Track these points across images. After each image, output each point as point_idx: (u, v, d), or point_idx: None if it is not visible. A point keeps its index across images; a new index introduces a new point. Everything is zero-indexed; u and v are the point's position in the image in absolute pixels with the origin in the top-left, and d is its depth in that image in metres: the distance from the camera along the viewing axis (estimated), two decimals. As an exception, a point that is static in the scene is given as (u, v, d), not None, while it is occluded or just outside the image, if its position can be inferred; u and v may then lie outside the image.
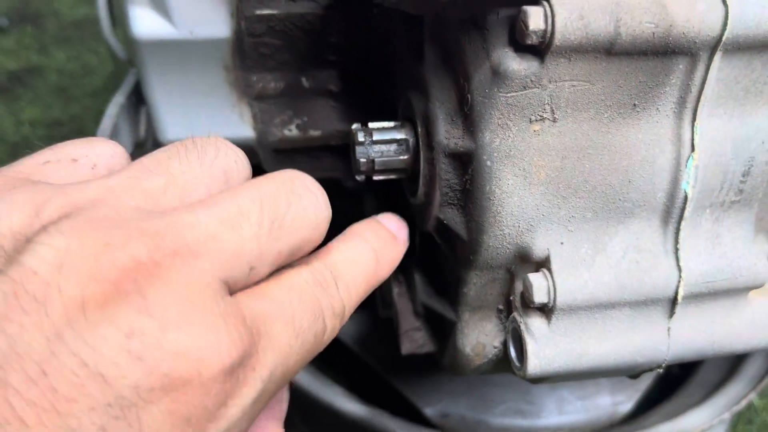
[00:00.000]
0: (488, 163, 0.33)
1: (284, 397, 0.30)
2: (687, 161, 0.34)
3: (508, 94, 0.32)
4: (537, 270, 0.36)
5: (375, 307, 0.51)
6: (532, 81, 0.32)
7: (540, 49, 0.31)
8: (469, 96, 0.34)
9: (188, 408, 0.21)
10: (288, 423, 0.30)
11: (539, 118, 0.33)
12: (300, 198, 0.26)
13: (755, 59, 0.33)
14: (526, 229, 0.35)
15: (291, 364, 0.25)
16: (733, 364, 0.64)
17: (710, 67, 0.32)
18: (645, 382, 0.66)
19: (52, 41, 1.29)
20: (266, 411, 0.29)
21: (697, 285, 0.36)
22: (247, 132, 0.48)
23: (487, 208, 0.34)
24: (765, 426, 0.77)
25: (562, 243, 0.35)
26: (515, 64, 0.31)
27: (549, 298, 0.35)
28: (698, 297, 0.37)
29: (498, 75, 0.32)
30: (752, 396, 0.58)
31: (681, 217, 0.36)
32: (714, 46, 0.32)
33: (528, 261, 0.36)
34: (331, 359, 0.72)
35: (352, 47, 0.45)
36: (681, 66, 0.32)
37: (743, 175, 0.36)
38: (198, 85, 0.45)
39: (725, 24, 0.31)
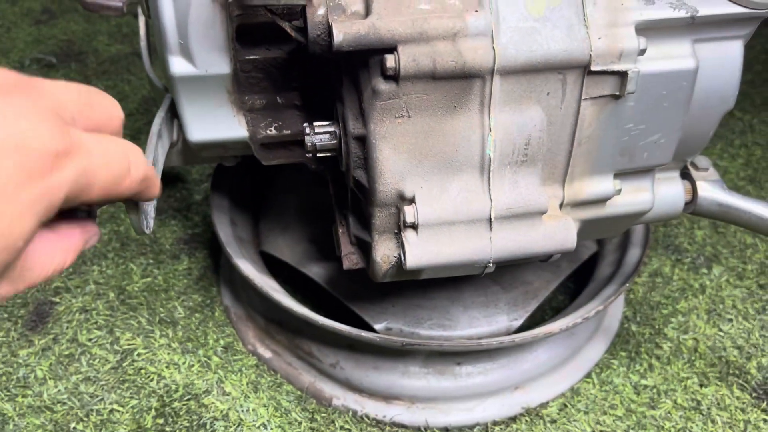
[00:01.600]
0: (373, 141, 0.60)
1: (91, 230, 0.39)
2: (488, 137, 0.60)
3: (381, 102, 0.58)
4: (410, 204, 0.62)
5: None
6: (393, 95, 0.58)
7: (395, 78, 0.57)
8: (362, 104, 0.60)
9: (28, 166, 0.30)
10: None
11: (401, 115, 0.59)
12: (104, 97, 0.40)
13: (521, 79, 0.59)
14: (399, 180, 0.61)
15: (95, 182, 0.33)
16: (595, 293, 0.89)
17: (493, 84, 0.58)
18: (533, 306, 0.91)
19: (93, 74, 1.53)
20: (66, 236, 0.37)
21: (504, 210, 0.62)
22: (243, 133, 0.74)
23: (375, 168, 0.60)
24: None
25: (422, 187, 0.61)
26: (383, 86, 0.58)
27: (415, 219, 0.61)
28: (506, 218, 0.63)
29: (375, 92, 0.58)
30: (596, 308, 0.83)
31: (490, 170, 0.61)
32: (491, 72, 0.57)
33: (404, 199, 0.62)
34: (308, 296, 0.98)
35: (308, 77, 0.72)
36: (477, 83, 0.58)
37: (525, 146, 0.61)
38: (211, 103, 0.72)
39: (494, 60, 0.57)
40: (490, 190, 0.62)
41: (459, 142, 0.60)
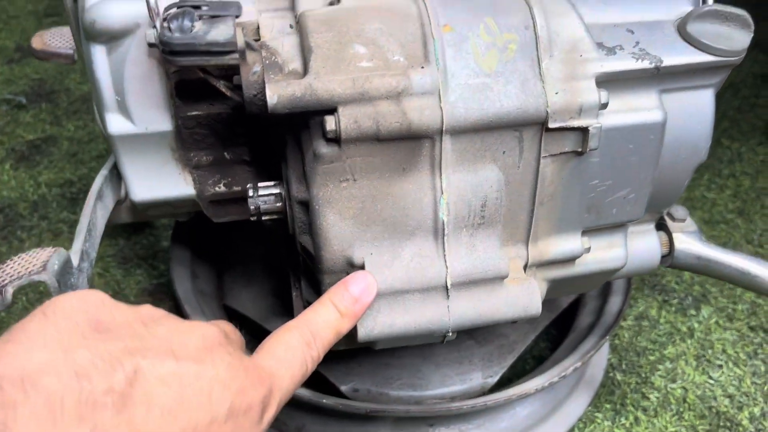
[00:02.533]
0: (316, 207, 0.55)
1: None
2: (440, 200, 0.56)
3: (323, 166, 0.54)
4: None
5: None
6: (336, 158, 0.54)
7: (337, 140, 0.53)
8: (305, 167, 0.56)
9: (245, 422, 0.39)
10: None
11: (345, 179, 0.55)
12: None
13: (474, 138, 0.55)
14: (347, 246, 0.57)
15: (288, 396, 0.44)
16: (573, 347, 0.85)
17: (444, 144, 0.54)
18: (510, 361, 0.86)
19: (63, 114, 1.49)
20: None
21: (460, 277, 0.57)
22: (190, 191, 0.70)
23: (319, 235, 0.56)
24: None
25: (371, 254, 0.57)
26: (324, 149, 0.53)
27: (365, 288, 0.56)
28: (464, 285, 0.58)
29: (316, 156, 0.54)
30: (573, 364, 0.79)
31: (444, 234, 0.57)
32: (440, 132, 0.53)
33: (353, 266, 0.58)
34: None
35: (256, 131, 0.67)
36: (426, 144, 0.54)
37: (482, 207, 0.57)
38: (154, 161, 0.68)
39: (442, 120, 0.53)
40: (445, 255, 0.57)
41: (409, 205, 0.56)
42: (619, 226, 0.65)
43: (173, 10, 0.54)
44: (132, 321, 0.39)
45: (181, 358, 0.38)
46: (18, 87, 1.59)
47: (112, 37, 0.61)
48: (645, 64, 0.56)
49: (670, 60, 0.56)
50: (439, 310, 0.58)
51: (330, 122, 0.52)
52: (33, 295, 1.05)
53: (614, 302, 0.89)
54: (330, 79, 0.52)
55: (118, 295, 1.06)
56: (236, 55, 0.52)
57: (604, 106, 0.55)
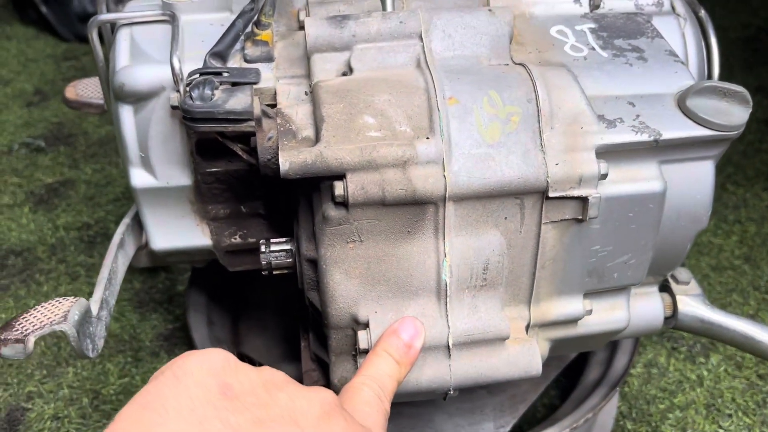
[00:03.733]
0: (324, 266, 0.58)
1: None
2: (444, 263, 0.58)
3: (332, 228, 0.57)
4: (364, 329, 0.59)
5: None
6: (344, 220, 0.56)
7: (345, 204, 0.55)
8: (314, 228, 0.58)
9: None
10: None
11: (352, 240, 0.57)
12: None
13: (476, 204, 0.57)
14: (353, 304, 0.59)
15: None
16: (581, 401, 0.85)
17: (447, 210, 0.56)
18: (521, 411, 0.87)
19: (81, 157, 1.53)
20: None
21: (462, 337, 0.59)
22: (207, 242, 0.73)
23: (326, 292, 0.58)
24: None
25: (376, 312, 0.59)
26: (333, 212, 0.56)
27: (369, 345, 0.58)
28: (465, 345, 0.60)
29: (325, 218, 0.56)
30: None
31: (447, 296, 0.59)
32: (444, 199, 0.56)
33: (358, 323, 0.60)
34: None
35: (270, 188, 0.70)
36: (431, 209, 0.56)
37: (484, 270, 0.59)
38: (173, 213, 0.71)
39: (445, 188, 0.55)
40: (447, 315, 0.59)
41: (413, 267, 0.58)
42: (621, 289, 0.66)
43: (196, 77, 0.58)
44: (256, 386, 0.41)
45: (304, 427, 0.40)
46: (37, 130, 1.63)
47: (139, 99, 0.65)
48: (644, 137, 0.58)
49: (668, 133, 0.58)
50: (441, 369, 0.60)
51: (339, 188, 0.55)
52: (50, 339, 1.08)
53: (623, 352, 0.89)
54: (339, 147, 0.54)
55: (134, 339, 1.08)
56: (252, 123, 0.56)
57: (604, 176, 0.57)
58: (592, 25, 0.68)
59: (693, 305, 0.71)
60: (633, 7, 0.73)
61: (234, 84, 0.59)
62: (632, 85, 0.62)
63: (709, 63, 0.74)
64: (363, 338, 0.58)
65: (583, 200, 0.57)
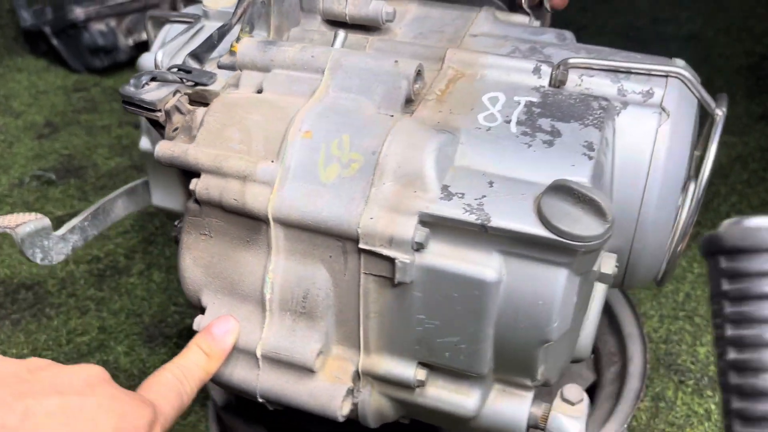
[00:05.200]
0: (180, 248, 0.66)
1: None
2: (267, 278, 0.62)
3: (190, 217, 0.65)
4: (202, 314, 0.66)
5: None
6: (198, 213, 0.64)
7: (197, 201, 0.63)
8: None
9: None
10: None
11: (203, 233, 0.65)
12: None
13: (302, 235, 0.60)
14: (197, 289, 0.66)
15: (170, 422, 0.53)
16: None
17: (276, 231, 0.60)
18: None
19: (91, 189, 1.53)
20: None
21: (271, 352, 0.63)
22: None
23: (180, 271, 0.67)
24: None
25: (213, 303, 0.66)
26: (191, 204, 0.64)
27: (200, 329, 0.66)
28: (274, 361, 0.63)
29: (188, 207, 0.65)
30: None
31: (268, 309, 0.63)
32: (268, 219, 0.60)
33: (201, 307, 0.67)
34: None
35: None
36: (264, 227, 0.61)
37: (303, 298, 0.62)
38: (169, 178, 0.85)
39: (267, 210, 0.59)
40: (263, 327, 0.63)
41: (246, 273, 0.63)
42: (470, 375, 0.63)
43: (166, 70, 0.70)
44: (19, 371, 0.46)
45: (66, 393, 0.45)
46: (48, 162, 1.62)
47: (143, 79, 0.80)
48: (471, 218, 0.55)
49: (499, 222, 0.54)
50: (250, 374, 0.64)
51: (192, 183, 0.63)
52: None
53: (631, 387, 0.89)
54: (201, 150, 0.62)
55: (143, 373, 1.08)
56: (160, 114, 0.66)
57: (420, 245, 0.56)
58: (534, 99, 0.64)
59: (567, 427, 0.63)
60: (615, 92, 0.66)
61: (196, 84, 0.70)
62: (512, 166, 0.59)
63: (698, 166, 0.65)
64: (197, 321, 0.66)
65: (392, 261, 0.57)
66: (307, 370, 0.63)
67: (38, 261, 0.77)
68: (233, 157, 0.61)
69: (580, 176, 0.57)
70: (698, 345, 1.07)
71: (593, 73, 0.67)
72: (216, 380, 0.65)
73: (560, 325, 0.57)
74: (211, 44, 0.74)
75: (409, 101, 0.63)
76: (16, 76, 2.01)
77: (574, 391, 0.65)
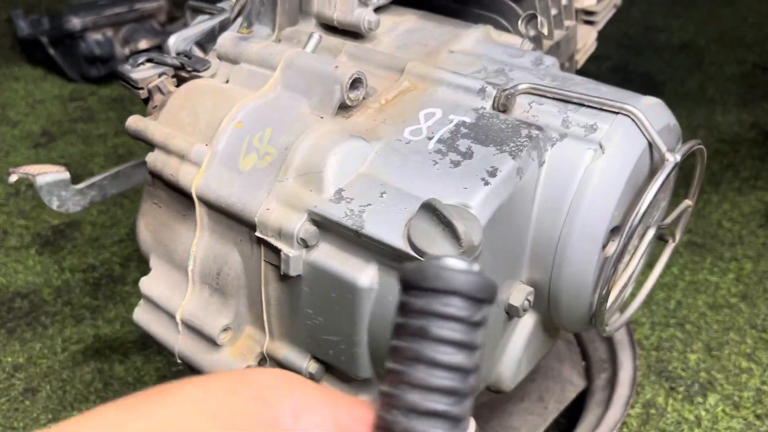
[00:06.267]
0: (138, 213, 0.74)
1: None
2: (191, 251, 0.68)
3: (147, 187, 0.72)
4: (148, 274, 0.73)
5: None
6: (151, 184, 0.71)
7: (150, 172, 0.70)
8: (154, 184, 0.74)
9: None
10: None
11: (155, 202, 0.72)
12: None
13: (220, 216, 0.65)
14: (147, 250, 0.73)
15: None
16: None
17: (201, 210, 0.66)
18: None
19: None
20: None
21: (187, 318, 0.68)
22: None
23: (136, 234, 0.74)
24: None
25: (156, 266, 0.72)
26: (149, 175, 0.71)
27: (142, 288, 0.73)
28: (191, 327, 0.69)
29: (147, 178, 0.72)
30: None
31: (191, 279, 0.69)
32: (194, 198, 0.65)
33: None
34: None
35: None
36: (195, 205, 0.67)
37: (217, 275, 0.67)
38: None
39: (192, 188, 0.65)
40: (186, 295, 0.69)
41: (179, 244, 0.70)
42: (356, 379, 0.64)
43: (159, 56, 0.79)
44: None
45: None
46: None
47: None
48: (348, 223, 0.56)
49: (370, 230, 0.55)
50: (173, 335, 0.71)
51: (148, 156, 0.70)
52: (56, 384, 1.09)
53: (620, 394, 0.90)
54: (157, 127, 0.69)
55: (138, 381, 1.08)
56: (143, 91, 0.74)
57: (304, 241, 0.59)
58: (468, 120, 0.64)
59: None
60: (560, 123, 0.64)
61: (193, 69, 0.78)
62: (411, 181, 0.59)
63: (630, 210, 0.61)
64: (142, 282, 0.73)
65: (278, 252, 0.60)
66: (213, 343, 0.68)
67: (54, 207, 0.88)
68: (179, 136, 0.68)
69: (467, 199, 0.57)
70: (689, 352, 1.07)
71: (544, 102, 0.65)
72: (149, 333, 0.72)
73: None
74: (212, 35, 0.81)
75: (344, 106, 0.66)
76: (13, 85, 2.00)
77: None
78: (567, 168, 0.62)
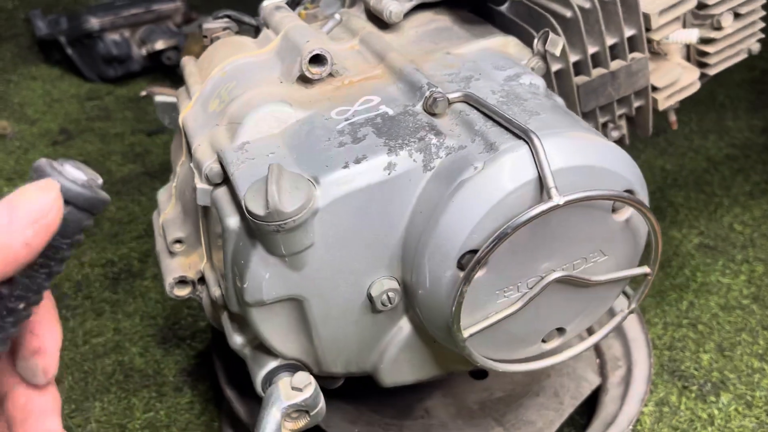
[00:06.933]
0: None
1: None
2: (177, 170, 0.81)
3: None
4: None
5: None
6: (180, 112, 0.86)
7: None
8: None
9: None
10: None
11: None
12: None
13: (191, 145, 0.77)
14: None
15: None
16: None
17: (184, 138, 0.79)
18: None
19: None
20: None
21: (163, 223, 0.82)
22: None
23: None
24: None
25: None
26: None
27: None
28: (163, 231, 0.82)
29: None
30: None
31: (173, 194, 0.82)
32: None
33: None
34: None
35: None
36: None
37: (182, 194, 0.79)
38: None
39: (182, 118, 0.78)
40: (169, 205, 0.83)
41: (176, 165, 0.84)
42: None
43: (236, 14, 0.93)
44: None
45: None
46: None
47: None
48: (229, 168, 0.64)
49: (237, 177, 0.63)
50: (160, 238, 0.86)
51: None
52: (78, 375, 1.06)
53: (636, 391, 0.91)
54: (189, 66, 0.86)
55: (158, 374, 1.09)
56: (206, 39, 0.89)
57: (208, 179, 0.67)
58: (390, 112, 0.66)
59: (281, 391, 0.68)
60: (468, 137, 0.64)
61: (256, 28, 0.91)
62: (298, 149, 0.65)
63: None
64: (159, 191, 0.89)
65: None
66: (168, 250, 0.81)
67: (166, 124, 1.10)
68: (194, 75, 0.82)
69: (320, 175, 0.60)
70: (701, 352, 1.07)
71: (471, 113, 0.65)
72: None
73: (251, 291, 0.62)
74: (292, 3, 0.92)
75: (306, 79, 0.72)
76: (31, 84, 2.02)
77: (302, 377, 0.68)
78: (446, 178, 0.61)
